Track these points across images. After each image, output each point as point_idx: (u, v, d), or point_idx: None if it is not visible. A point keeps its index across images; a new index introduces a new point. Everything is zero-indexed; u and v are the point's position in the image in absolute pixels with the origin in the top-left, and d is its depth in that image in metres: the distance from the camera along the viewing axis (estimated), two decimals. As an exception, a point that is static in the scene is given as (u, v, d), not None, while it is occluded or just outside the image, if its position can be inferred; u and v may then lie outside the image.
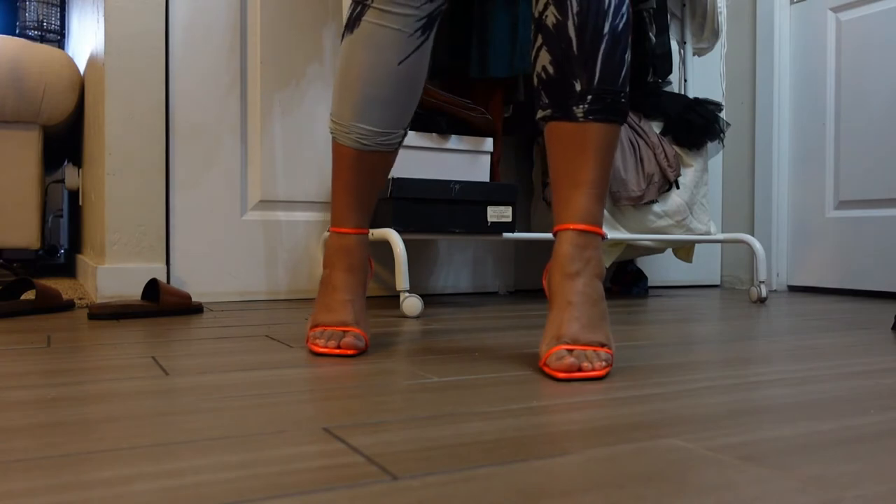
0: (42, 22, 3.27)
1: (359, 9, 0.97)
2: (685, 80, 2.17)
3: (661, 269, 2.49)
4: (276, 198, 1.84)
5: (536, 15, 0.92)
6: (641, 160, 1.95)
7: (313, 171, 1.88)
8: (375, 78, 0.98)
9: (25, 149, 2.11)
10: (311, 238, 1.88)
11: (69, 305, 1.52)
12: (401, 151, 1.65)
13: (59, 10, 3.33)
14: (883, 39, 2.12)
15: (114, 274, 1.64)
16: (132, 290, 1.65)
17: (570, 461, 0.51)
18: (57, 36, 3.32)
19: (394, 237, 1.53)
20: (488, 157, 1.79)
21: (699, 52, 2.20)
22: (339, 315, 0.99)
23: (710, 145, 2.08)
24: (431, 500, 0.44)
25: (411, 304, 1.47)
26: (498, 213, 1.68)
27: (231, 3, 1.78)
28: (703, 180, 2.06)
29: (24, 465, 0.50)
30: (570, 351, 0.82)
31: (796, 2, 2.39)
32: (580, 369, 0.81)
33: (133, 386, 0.76)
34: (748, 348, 1.07)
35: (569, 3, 0.88)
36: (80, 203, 2.39)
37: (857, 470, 0.50)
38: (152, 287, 1.46)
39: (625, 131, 1.97)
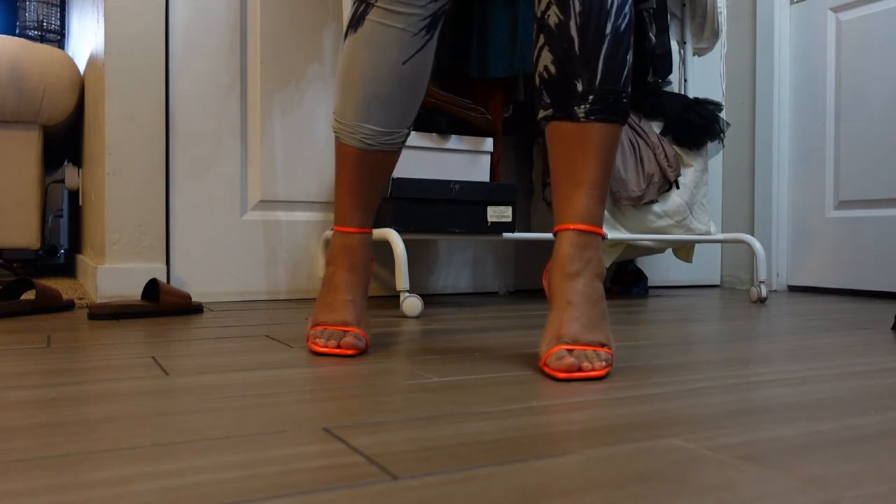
0: (42, 22, 3.27)
1: (362, 8, 0.96)
2: (685, 80, 2.16)
3: (661, 269, 2.49)
4: (276, 198, 1.84)
5: (539, 15, 0.92)
6: (641, 160, 1.95)
7: (313, 171, 1.88)
8: (378, 77, 0.97)
9: (25, 149, 2.11)
10: (311, 238, 1.88)
11: (69, 305, 1.52)
12: (401, 151, 1.65)
13: (59, 10, 3.33)
14: (883, 39, 2.12)
15: (114, 274, 1.64)
16: (132, 290, 1.65)
17: (570, 461, 0.51)
18: (57, 36, 3.32)
19: (394, 237, 1.53)
20: (488, 157, 1.79)
21: (699, 52, 2.20)
22: (340, 315, 0.99)
23: (710, 145, 2.08)
24: (431, 500, 0.44)
25: (411, 304, 1.47)
26: (498, 213, 1.68)
27: (231, 3, 1.78)
28: (703, 180, 2.06)
29: (24, 465, 0.50)
30: (570, 351, 0.82)
31: (796, 2, 2.39)
32: (580, 369, 0.81)
33: (133, 386, 0.76)
34: (748, 348, 1.07)
35: (571, 2, 0.88)
36: (80, 203, 2.39)
37: (857, 470, 0.50)
38: (152, 287, 1.46)
39: (625, 131, 1.97)
